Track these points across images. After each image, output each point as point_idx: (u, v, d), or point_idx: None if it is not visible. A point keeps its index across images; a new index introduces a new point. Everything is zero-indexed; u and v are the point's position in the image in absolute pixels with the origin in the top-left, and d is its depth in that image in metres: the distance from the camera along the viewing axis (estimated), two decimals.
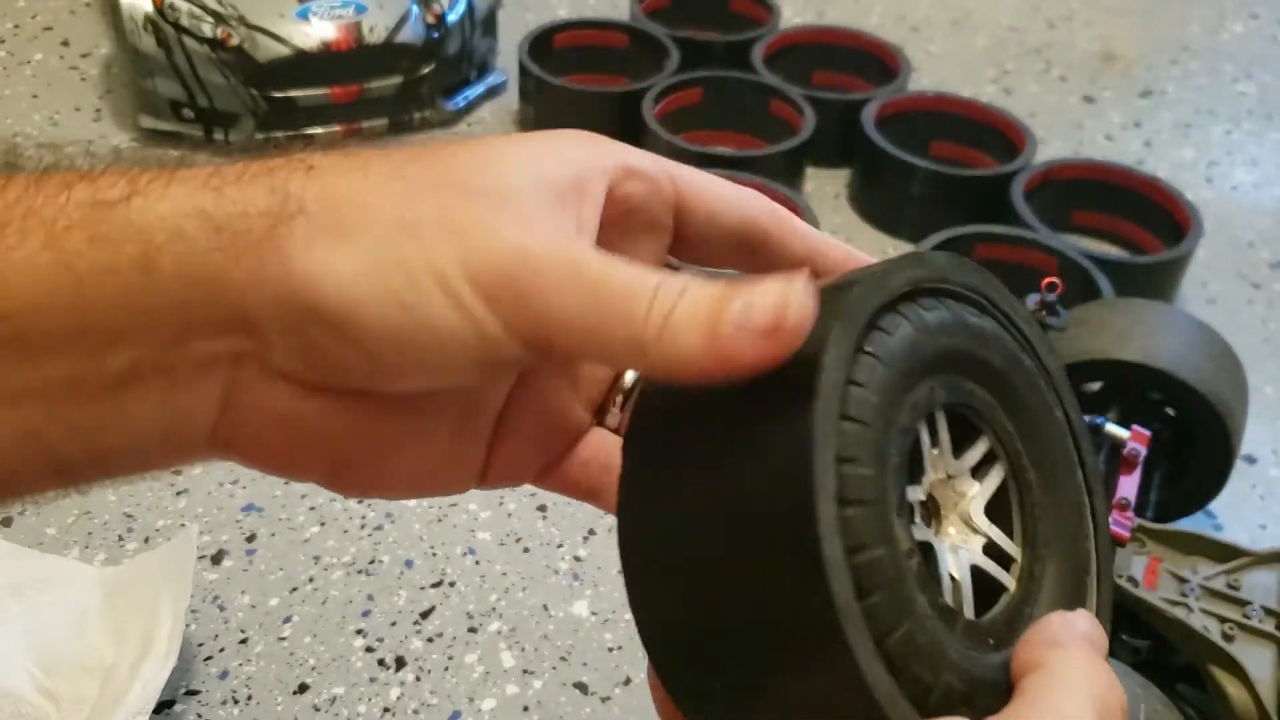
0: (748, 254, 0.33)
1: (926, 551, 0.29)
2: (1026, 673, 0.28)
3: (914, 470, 0.28)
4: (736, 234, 0.32)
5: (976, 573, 0.29)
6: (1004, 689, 0.28)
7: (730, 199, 0.32)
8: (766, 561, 0.25)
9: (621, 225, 0.31)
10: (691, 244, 0.33)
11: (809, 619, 0.24)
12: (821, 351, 0.25)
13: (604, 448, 0.35)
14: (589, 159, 0.30)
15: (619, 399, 0.34)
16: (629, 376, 0.34)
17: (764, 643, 0.26)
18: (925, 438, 0.28)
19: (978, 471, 0.30)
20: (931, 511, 0.30)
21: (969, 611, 0.29)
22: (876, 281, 0.27)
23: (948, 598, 0.29)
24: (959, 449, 0.30)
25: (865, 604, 0.25)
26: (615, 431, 0.35)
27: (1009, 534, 0.30)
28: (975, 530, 0.30)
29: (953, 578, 0.29)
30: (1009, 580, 0.30)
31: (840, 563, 0.24)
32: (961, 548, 0.30)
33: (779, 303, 0.25)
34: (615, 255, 0.27)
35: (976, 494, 0.30)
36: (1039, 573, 0.30)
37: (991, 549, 0.30)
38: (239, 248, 0.26)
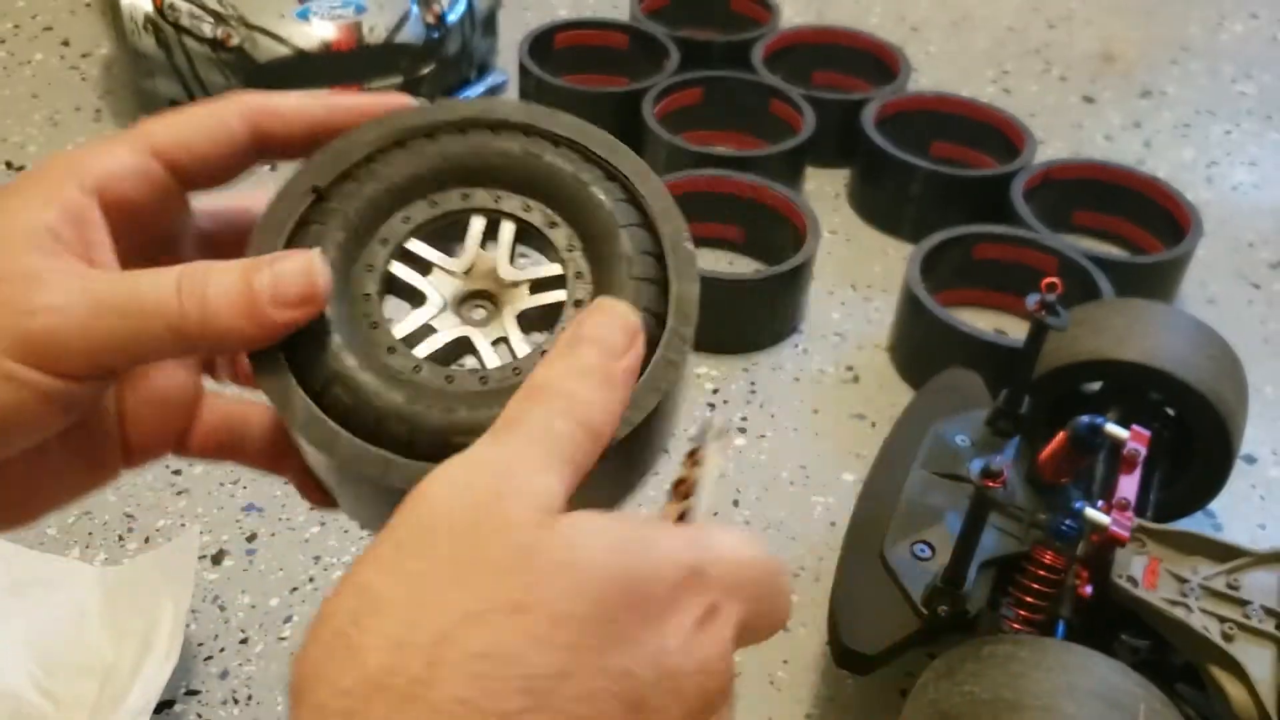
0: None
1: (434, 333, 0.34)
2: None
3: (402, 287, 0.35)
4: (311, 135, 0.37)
5: (534, 314, 0.34)
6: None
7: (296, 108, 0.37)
8: None
9: (144, 219, 0.34)
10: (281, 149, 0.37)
11: None
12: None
13: (224, 411, 0.39)
14: (66, 191, 0.32)
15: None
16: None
17: None
18: (398, 269, 0.35)
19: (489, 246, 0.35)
20: (487, 299, 0.35)
21: (487, 354, 0.34)
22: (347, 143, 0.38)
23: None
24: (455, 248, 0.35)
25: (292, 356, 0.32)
26: None
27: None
28: (514, 284, 0.35)
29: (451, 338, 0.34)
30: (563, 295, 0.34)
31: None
32: (484, 305, 0.35)
33: (307, 278, 0.31)
34: (129, 270, 0.31)
35: (496, 256, 0.35)
36: (591, 278, 0.34)
37: (545, 285, 0.34)
38: None
